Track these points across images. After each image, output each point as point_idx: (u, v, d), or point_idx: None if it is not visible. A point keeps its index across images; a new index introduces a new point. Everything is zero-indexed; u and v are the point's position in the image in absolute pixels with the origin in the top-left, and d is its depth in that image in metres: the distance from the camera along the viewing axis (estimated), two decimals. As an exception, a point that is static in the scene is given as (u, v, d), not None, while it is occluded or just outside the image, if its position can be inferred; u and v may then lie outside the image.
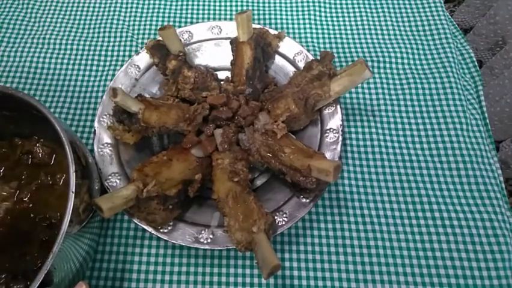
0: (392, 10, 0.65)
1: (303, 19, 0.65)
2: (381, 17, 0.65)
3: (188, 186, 0.44)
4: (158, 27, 0.53)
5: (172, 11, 0.66)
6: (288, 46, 0.54)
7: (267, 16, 0.65)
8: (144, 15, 0.66)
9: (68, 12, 0.66)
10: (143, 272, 0.47)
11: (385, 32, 0.63)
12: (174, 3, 0.67)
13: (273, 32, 0.54)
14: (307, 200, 0.44)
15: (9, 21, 0.64)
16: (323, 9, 0.66)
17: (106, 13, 0.66)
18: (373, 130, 0.55)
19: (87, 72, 0.60)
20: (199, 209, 0.46)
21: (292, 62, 0.54)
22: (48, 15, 0.66)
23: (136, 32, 0.64)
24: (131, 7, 0.67)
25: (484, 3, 1.09)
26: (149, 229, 0.43)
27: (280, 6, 0.66)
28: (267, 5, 0.66)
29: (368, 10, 0.65)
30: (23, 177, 0.45)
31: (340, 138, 0.47)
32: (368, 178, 0.51)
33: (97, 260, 0.47)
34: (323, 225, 0.49)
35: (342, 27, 0.64)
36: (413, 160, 0.53)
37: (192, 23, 0.65)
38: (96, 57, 0.62)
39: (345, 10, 0.66)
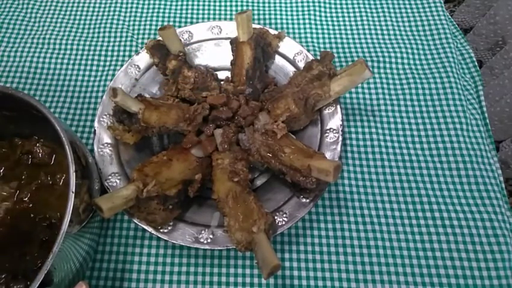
0: (392, 10, 0.65)
1: (303, 19, 0.65)
2: (381, 17, 0.65)
3: (189, 186, 0.44)
4: (158, 27, 0.54)
5: (172, 11, 0.66)
6: (288, 46, 0.54)
7: (267, 16, 0.65)
8: (144, 15, 0.66)
9: (68, 12, 0.66)
10: (143, 272, 0.47)
11: (385, 32, 0.63)
12: (174, 3, 0.67)
13: (273, 32, 0.54)
14: (307, 200, 0.44)
15: (9, 21, 0.64)
16: (322, 9, 0.66)
17: (106, 13, 0.66)
18: (373, 130, 0.55)
19: (87, 72, 0.60)
20: (199, 209, 0.46)
21: (292, 62, 0.54)
22: (48, 15, 0.66)
23: (136, 32, 0.64)
24: (131, 7, 0.67)
25: (484, 3, 1.08)
26: (149, 229, 0.43)
27: (280, 6, 0.66)
28: (267, 5, 0.66)
29: (368, 10, 0.65)
30: (23, 177, 0.45)
31: (340, 138, 0.47)
32: (368, 178, 0.52)
33: (97, 260, 0.47)
34: (323, 225, 0.49)
35: (342, 27, 0.64)
36: (413, 160, 0.53)
37: (191, 23, 0.65)
38: (96, 57, 0.62)
39: (345, 10, 0.66)
